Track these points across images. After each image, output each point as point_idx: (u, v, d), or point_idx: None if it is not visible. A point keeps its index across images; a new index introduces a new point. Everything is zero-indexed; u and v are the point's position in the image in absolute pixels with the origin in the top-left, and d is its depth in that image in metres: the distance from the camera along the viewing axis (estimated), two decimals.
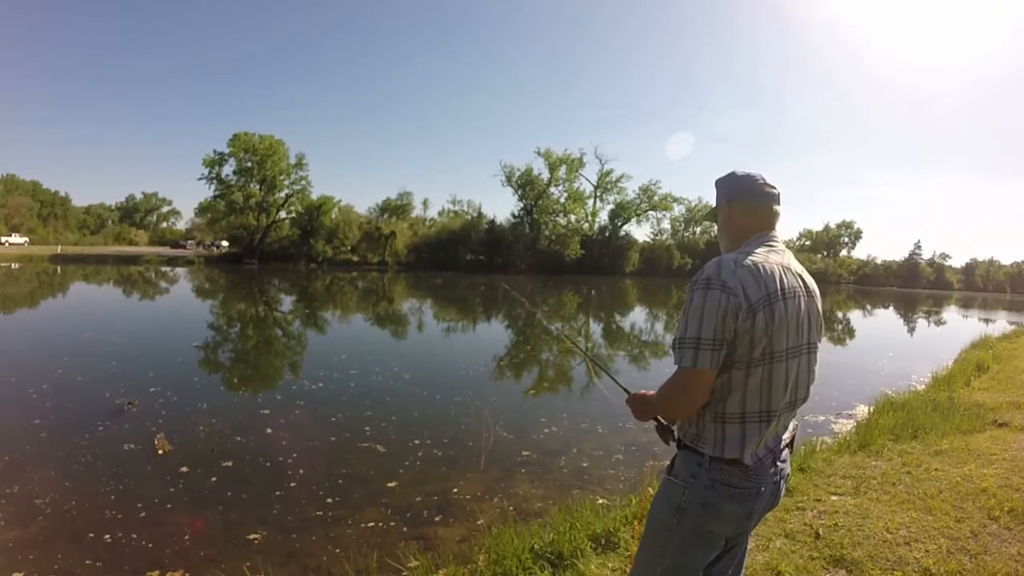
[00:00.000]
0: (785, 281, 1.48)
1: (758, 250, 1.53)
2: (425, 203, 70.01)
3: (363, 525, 3.98)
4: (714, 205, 1.74)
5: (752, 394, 1.46)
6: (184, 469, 4.82)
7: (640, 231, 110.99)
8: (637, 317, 22.75)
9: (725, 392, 1.47)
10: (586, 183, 61.18)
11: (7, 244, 54.31)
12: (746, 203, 1.62)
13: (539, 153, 58.84)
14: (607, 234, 60.68)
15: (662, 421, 1.65)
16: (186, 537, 3.76)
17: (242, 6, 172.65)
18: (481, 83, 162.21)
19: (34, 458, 4.92)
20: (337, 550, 3.61)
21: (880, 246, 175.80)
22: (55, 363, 8.53)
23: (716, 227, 1.75)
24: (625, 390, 1.79)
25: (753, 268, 1.44)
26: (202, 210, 63.81)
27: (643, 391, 1.67)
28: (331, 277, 37.68)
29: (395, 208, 64.48)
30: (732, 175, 1.67)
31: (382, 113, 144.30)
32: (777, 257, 1.52)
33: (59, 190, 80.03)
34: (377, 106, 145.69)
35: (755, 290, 1.42)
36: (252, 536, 3.79)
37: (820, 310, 1.60)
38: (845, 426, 6.57)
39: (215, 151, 50.45)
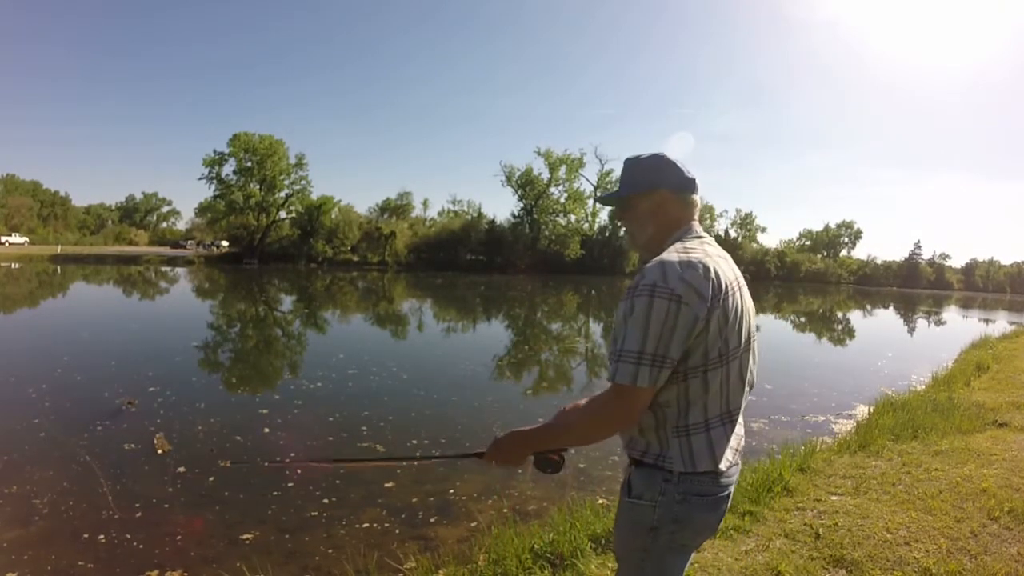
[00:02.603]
0: (724, 276, 1.35)
1: (691, 244, 1.41)
2: (425, 203, 70.09)
3: (361, 525, 3.97)
4: (630, 189, 1.52)
5: (713, 399, 1.37)
6: (181, 469, 4.81)
7: None
8: None
9: (685, 404, 1.36)
10: (586, 183, 61.14)
11: (7, 244, 54.31)
12: (683, 194, 1.48)
13: (539, 153, 58.93)
14: (607, 234, 60.67)
15: (552, 453, 1.47)
16: (184, 537, 3.75)
17: (242, 6, 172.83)
18: (481, 83, 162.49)
19: (33, 458, 4.91)
20: (336, 550, 3.60)
21: (880, 246, 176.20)
22: (54, 363, 8.52)
23: (627, 214, 1.54)
24: (476, 454, 1.56)
25: (703, 268, 1.30)
26: (202, 210, 64.04)
27: (513, 432, 1.48)
28: (331, 277, 37.67)
29: (395, 208, 64.54)
30: (665, 158, 1.49)
31: (382, 113, 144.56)
32: (713, 250, 1.42)
33: (59, 190, 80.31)
34: (377, 106, 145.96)
35: (707, 293, 1.29)
36: (250, 536, 3.78)
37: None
38: (845, 426, 6.56)
39: (215, 151, 50.62)
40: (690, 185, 1.49)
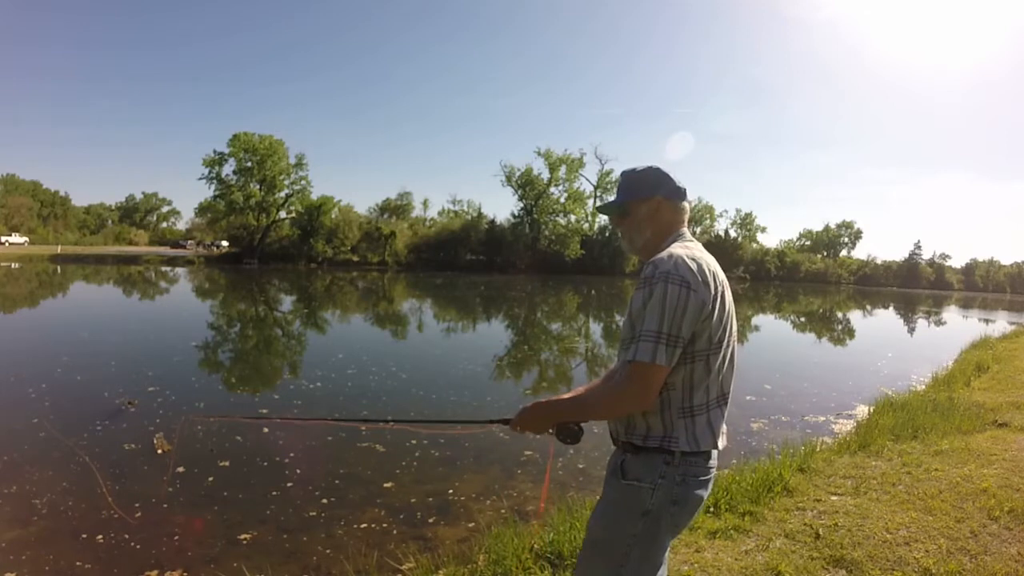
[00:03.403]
0: (719, 275, 1.52)
1: (689, 244, 1.57)
2: (425, 203, 70.20)
3: (361, 525, 3.96)
4: (629, 195, 1.66)
5: (713, 382, 1.49)
6: (181, 469, 4.80)
7: None
8: None
9: (690, 386, 1.46)
10: (586, 183, 61.04)
11: (7, 244, 54.30)
12: (676, 201, 1.64)
13: (539, 153, 58.91)
14: (607, 234, 60.64)
15: (573, 424, 1.58)
16: (184, 537, 3.75)
17: (242, 6, 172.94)
18: (481, 83, 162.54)
19: (32, 458, 4.90)
20: (335, 550, 3.60)
21: (880, 246, 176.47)
22: (54, 363, 8.52)
23: (625, 220, 1.67)
24: (503, 420, 1.71)
25: (705, 264, 1.47)
26: (202, 210, 63.92)
27: (538, 402, 1.62)
28: (331, 277, 37.66)
29: (395, 208, 64.65)
30: (660, 169, 1.66)
31: (382, 113, 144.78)
32: (706, 250, 1.58)
33: (59, 190, 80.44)
34: (377, 106, 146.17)
35: (710, 286, 1.44)
36: (250, 536, 3.77)
37: None
38: (845, 426, 6.56)
39: (215, 151, 50.49)
40: (682, 193, 1.65)
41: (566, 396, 1.62)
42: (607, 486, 1.56)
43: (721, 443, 1.51)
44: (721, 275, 1.53)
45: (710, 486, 1.53)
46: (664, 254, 1.48)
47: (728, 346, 1.51)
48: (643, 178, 1.65)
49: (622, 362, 1.48)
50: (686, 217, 1.67)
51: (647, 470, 1.47)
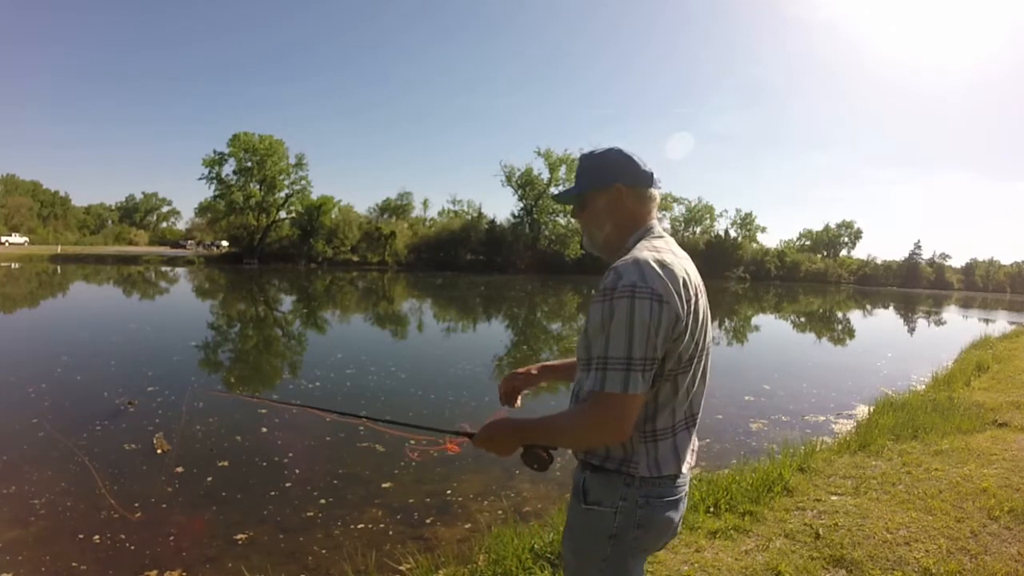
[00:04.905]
0: (693, 278, 1.33)
1: (659, 243, 1.36)
2: (425, 203, 70.31)
3: (360, 525, 3.96)
4: (586, 185, 1.45)
5: (680, 402, 1.34)
6: (180, 469, 4.80)
7: None
8: None
9: (654, 409, 1.32)
10: None
11: (7, 244, 54.34)
12: (640, 190, 1.42)
13: (539, 153, 58.95)
14: None
15: (541, 449, 1.37)
16: (183, 537, 3.74)
17: (242, 6, 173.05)
18: (481, 83, 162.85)
19: (32, 458, 4.90)
20: (334, 550, 3.59)
21: (880, 246, 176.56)
22: (54, 363, 8.51)
23: (584, 212, 1.47)
24: (467, 435, 1.50)
25: (678, 270, 1.28)
26: (202, 210, 64.21)
27: (506, 419, 1.40)
28: (331, 277, 37.66)
29: (395, 208, 64.69)
30: (621, 151, 1.43)
31: (382, 113, 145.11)
32: (679, 251, 1.39)
33: (59, 190, 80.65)
34: (377, 106, 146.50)
35: (683, 296, 1.25)
36: (248, 536, 3.77)
37: None
38: (845, 426, 6.55)
39: (215, 151, 50.66)
40: (648, 179, 1.42)
41: (537, 417, 1.42)
42: (571, 509, 1.43)
43: (686, 466, 1.38)
44: (695, 278, 1.34)
45: (682, 506, 1.40)
46: (629, 259, 1.27)
47: (700, 361, 1.34)
48: (601, 163, 1.43)
49: (586, 389, 1.27)
50: (654, 207, 1.44)
51: (607, 492, 1.34)
